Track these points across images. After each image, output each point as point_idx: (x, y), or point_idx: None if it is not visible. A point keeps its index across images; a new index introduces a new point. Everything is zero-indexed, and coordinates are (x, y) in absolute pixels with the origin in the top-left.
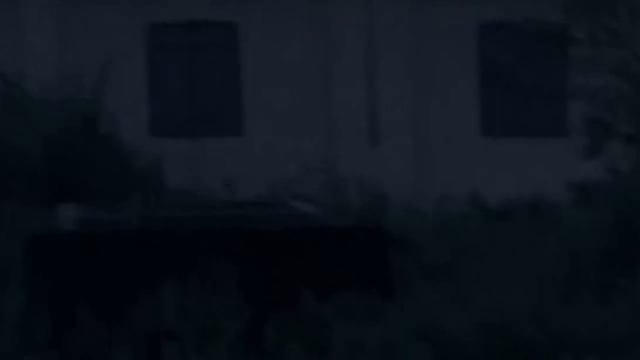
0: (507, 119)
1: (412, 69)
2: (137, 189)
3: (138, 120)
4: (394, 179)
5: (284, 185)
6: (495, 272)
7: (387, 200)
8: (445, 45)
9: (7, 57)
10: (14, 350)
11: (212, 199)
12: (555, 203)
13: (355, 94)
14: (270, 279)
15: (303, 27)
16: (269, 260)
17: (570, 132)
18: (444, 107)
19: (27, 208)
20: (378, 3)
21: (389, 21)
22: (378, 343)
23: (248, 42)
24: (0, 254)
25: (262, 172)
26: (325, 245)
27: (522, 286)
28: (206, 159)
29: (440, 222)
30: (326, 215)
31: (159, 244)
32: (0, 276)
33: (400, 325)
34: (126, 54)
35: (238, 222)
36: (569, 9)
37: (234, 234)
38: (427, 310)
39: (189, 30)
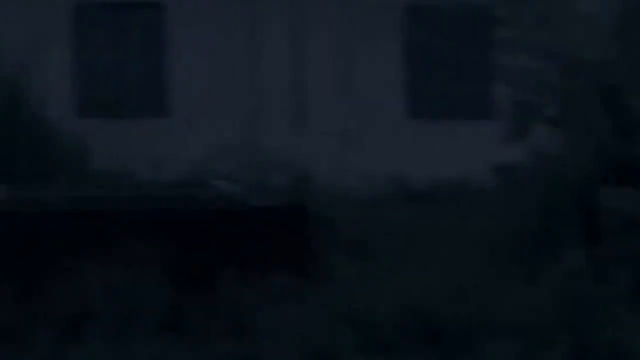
0: (433, 100)
1: (338, 50)
2: (62, 169)
3: (64, 101)
4: (318, 160)
5: (208, 166)
6: (418, 253)
7: (312, 181)
8: (371, 27)
9: None
10: None
11: (136, 180)
12: (480, 185)
13: (280, 74)
14: (191, 260)
15: (229, 9)
16: (190, 241)
17: (495, 115)
18: (370, 89)
19: None
20: None
21: (315, 2)
22: (300, 324)
23: (174, 24)
24: None
25: (186, 153)
26: (247, 225)
27: (445, 268)
28: (132, 140)
29: (364, 204)
30: (249, 196)
31: (82, 224)
32: None
33: (322, 307)
34: (52, 33)
35: (160, 202)
36: None
37: (156, 214)
38: (349, 291)
39: (116, 10)
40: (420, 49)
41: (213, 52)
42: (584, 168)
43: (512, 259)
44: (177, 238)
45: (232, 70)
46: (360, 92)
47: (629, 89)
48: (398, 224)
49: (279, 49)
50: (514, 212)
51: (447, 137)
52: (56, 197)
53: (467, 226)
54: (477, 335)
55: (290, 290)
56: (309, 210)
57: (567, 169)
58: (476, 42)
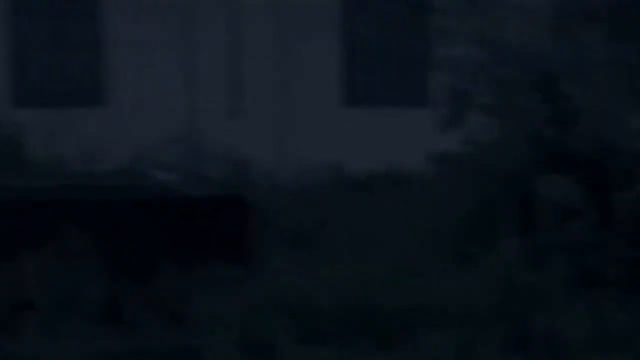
0: (370, 89)
1: (275, 38)
2: None
3: None
4: (255, 149)
5: (146, 155)
6: (355, 242)
7: (249, 169)
8: (308, 15)
9: None
10: None
11: (73, 169)
12: (416, 174)
13: (217, 63)
14: (129, 250)
15: None
16: (128, 231)
17: (432, 103)
18: (307, 77)
19: None
20: None
21: None
22: (238, 314)
23: (111, 13)
24: None
25: (124, 142)
26: (184, 214)
27: (381, 257)
28: (69, 130)
29: (300, 192)
30: (187, 185)
31: (19, 214)
32: None
33: (260, 296)
34: None
35: (97, 192)
36: None
37: (93, 204)
38: (287, 281)
39: (52, 0)
40: (357, 38)
41: (151, 42)
42: (519, 156)
43: (448, 248)
44: (115, 227)
45: (170, 60)
46: (298, 82)
47: (565, 78)
48: (336, 213)
49: (217, 39)
50: (450, 200)
51: (384, 125)
52: None
53: (404, 215)
54: (415, 324)
55: (229, 280)
56: (246, 200)
57: (503, 157)
58: (413, 30)
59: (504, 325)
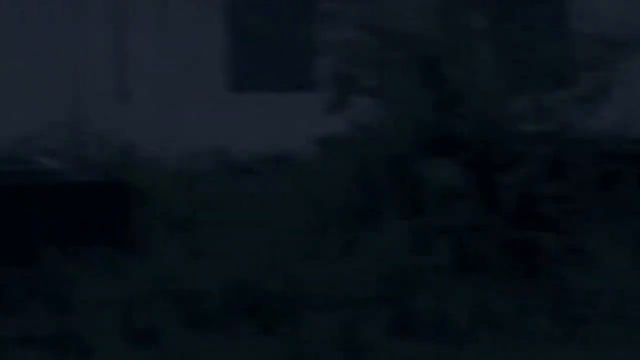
0: (256, 73)
1: (160, 22)
2: None
3: None
4: (140, 134)
5: (31, 141)
6: (239, 226)
7: (133, 155)
8: (194, 1)
9: None
10: None
11: None
12: (301, 157)
13: (104, 50)
14: (11, 236)
15: None
16: (10, 216)
17: (318, 87)
18: (193, 62)
19: None
20: None
21: None
22: (122, 299)
23: None
24: None
25: (6, 128)
26: (67, 200)
27: (266, 241)
28: None
29: (185, 177)
30: (70, 171)
31: None
32: None
33: (144, 281)
34: None
35: None
36: None
37: None
38: (171, 265)
39: None
40: (244, 23)
41: (37, 29)
42: (403, 139)
43: (333, 231)
44: None
45: (55, 46)
46: (184, 66)
47: (447, 61)
48: (221, 197)
49: (102, 25)
50: (335, 184)
51: (271, 109)
52: None
53: (289, 199)
54: (299, 308)
55: (112, 265)
56: (130, 185)
57: (387, 140)
58: (299, 15)
59: (388, 307)
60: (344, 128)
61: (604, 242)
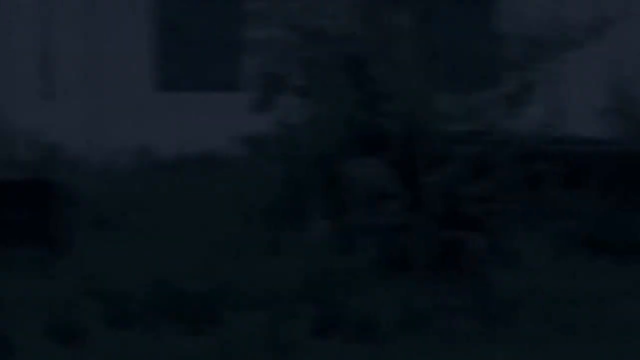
0: (183, 73)
1: (87, 21)
2: None
3: None
4: (66, 133)
5: None
6: (164, 225)
7: (59, 153)
8: (121, 1)
9: None
10: None
11: None
12: (228, 157)
13: (29, 49)
14: None
15: None
16: None
17: (244, 86)
18: (118, 61)
19: None
20: None
21: None
22: (45, 297)
23: None
24: None
25: None
26: None
27: (191, 240)
28: None
29: (112, 177)
30: None
31: None
32: None
33: (67, 280)
34: None
35: None
36: None
37: None
38: (95, 264)
39: None
40: (170, 22)
41: None
42: (330, 138)
43: (258, 231)
44: None
45: None
46: (110, 65)
47: (373, 61)
48: (146, 197)
49: (29, 24)
50: (260, 183)
51: (197, 109)
52: None
53: (214, 198)
54: (224, 308)
55: (36, 263)
56: (54, 184)
57: (313, 139)
58: (226, 15)
59: (314, 307)
60: (269, 128)
61: (529, 243)
